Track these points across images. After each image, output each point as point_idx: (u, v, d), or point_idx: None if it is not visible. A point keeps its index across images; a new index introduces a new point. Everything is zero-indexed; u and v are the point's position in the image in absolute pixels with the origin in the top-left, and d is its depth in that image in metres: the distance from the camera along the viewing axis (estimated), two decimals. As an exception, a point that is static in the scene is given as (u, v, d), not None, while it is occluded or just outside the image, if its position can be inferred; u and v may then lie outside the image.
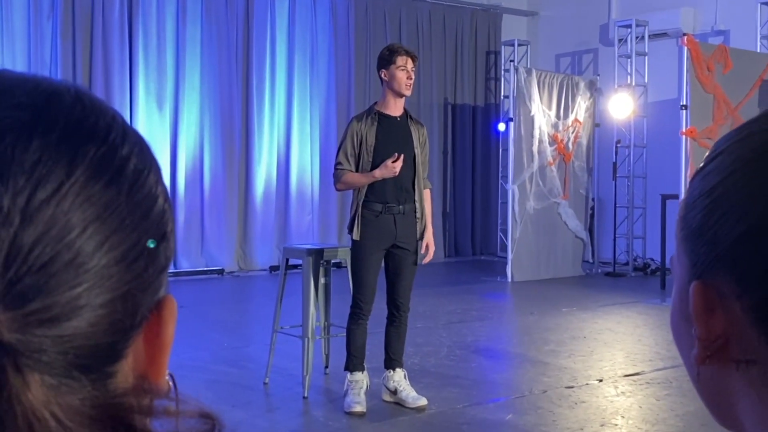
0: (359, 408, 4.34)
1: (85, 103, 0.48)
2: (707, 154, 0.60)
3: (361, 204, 4.40)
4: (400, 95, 4.43)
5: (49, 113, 0.45)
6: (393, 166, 4.29)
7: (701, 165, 0.59)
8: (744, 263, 0.53)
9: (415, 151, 4.48)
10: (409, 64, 4.41)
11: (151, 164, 0.50)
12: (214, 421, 0.44)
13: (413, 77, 4.43)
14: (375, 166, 4.37)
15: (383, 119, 4.44)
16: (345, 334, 4.57)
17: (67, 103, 0.47)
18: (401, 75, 4.38)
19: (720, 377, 0.57)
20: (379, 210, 4.39)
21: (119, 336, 0.45)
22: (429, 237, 4.57)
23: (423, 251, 4.55)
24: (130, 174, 0.47)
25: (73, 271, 0.43)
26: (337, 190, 4.62)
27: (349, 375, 4.47)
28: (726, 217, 0.54)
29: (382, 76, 4.45)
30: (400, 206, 4.42)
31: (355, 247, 4.45)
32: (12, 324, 0.40)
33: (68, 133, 0.45)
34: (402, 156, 4.33)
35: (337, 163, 4.44)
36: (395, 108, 4.48)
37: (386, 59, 4.43)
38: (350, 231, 4.47)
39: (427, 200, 4.62)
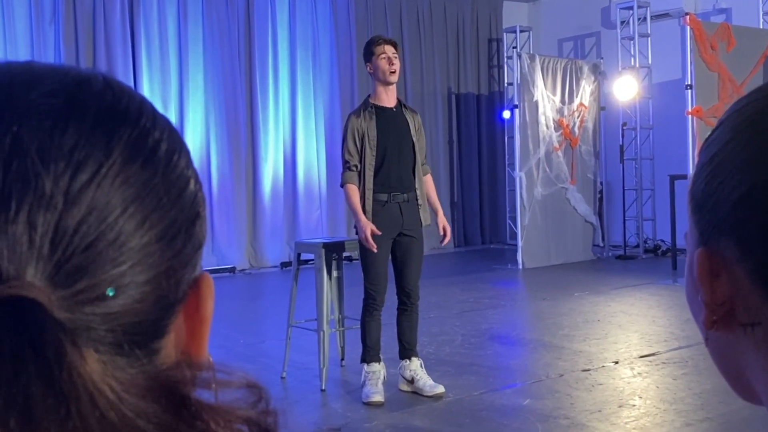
0: (378, 398, 4.36)
1: (114, 89, 0.49)
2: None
3: (367, 196, 4.42)
4: (387, 83, 4.48)
5: (81, 99, 0.46)
6: (371, 245, 4.33)
7: (705, 138, 0.61)
8: (743, 226, 0.55)
9: (413, 139, 4.53)
10: (389, 51, 4.46)
11: (180, 147, 0.51)
12: (261, 391, 0.45)
13: (396, 63, 4.47)
14: (378, 159, 4.42)
15: (380, 111, 4.49)
16: (360, 326, 4.59)
17: (97, 89, 0.48)
18: (383, 63, 4.43)
19: (729, 341, 0.58)
20: (384, 200, 4.42)
21: (163, 312, 0.46)
22: (443, 219, 4.61)
23: (441, 233, 4.57)
24: (163, 155, 0.48)
25: (117, 250, 0.44)
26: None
27: (366, 366, 4.49)
28: (725, 183, 0.56)
29: (369, 70, 4.54)
30: (404, 194, 4.46)
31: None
32: (62, 303, 0.42)
33: (102, 118, 0.46)
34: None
35: (345, 162, 4.46)
36: (388, 99, 4.52)
37: (367, 52, 4.52)
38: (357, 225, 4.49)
39: (430, 184, 4.69)
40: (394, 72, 4.45)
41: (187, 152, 0.51)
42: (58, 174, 0.43)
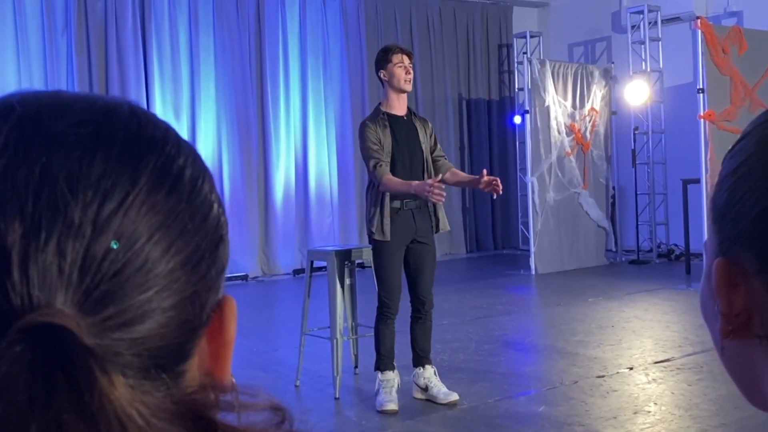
0: (392, 406, 4.36)
1: (140, 117, 0.50)
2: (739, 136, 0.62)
3: (382, 203, 4.42)
4: (401, 91, 4.49)
5: (108, 128, 0.47)
6: (439, 194, 4.16)
7: (731, 147, 0.61)
8: (763, 239, 0.55)
9: (422, 146, 4.55)
10: (406, 60, 4.47)
11: (204, 173, 0.52)
12: (284, 413, 0.46)
13: (411, 72, 4.48)
14: (393, 167, 4.41)
15: (392, 120, 4.50)
16: (373, 334, 4.59)
17: (123, 118, 0.49)
18: (399, 71, 4.44)
19: (744, 352, 0.59)
20: (398, 207, 4.42)
21: (188, 335, 0.47)
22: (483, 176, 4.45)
23: (489, 178, 4.36)
24: (188, 182, 0.49)
25: (143, 276, 0.45)
26: (381, 190, 4.42)
27: (380, 374, 4.49)
28: (747, 196, 0.56)
29: (382, 76, 4.52)
30: (416, 201, 4.45)
31: (378, 247, 4.47)
32: (91, 329, 0.43)
33: (128, 146, 0.47)
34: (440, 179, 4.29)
35: (374, 160, 4.35)
36: (399, 107, 4.53)
37: (382, 59, 4.51)
38: (372, 232, 4.45)
39: (457, 171, 4.68)
40: (409, 81, 4.46)
41: (210, 177, 0.52)
42: (87, 203, 0.44)
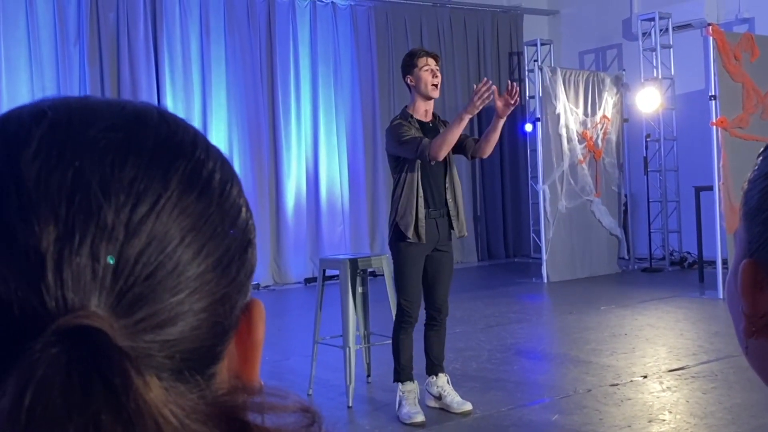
0: (420, 417, 4.29)
1: (169, 122, 0.50)
2: None
3: (417, 206, 4.33)
4: (428, 97, 4.39)
5: (139, 133, 0.48)
6: (486, 93, 4.08)
7: (765, 147, 0.61)
8: None
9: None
10: (432, 63, 4.38)
11: (232, 177, 0.52)
12: (314, 415, 0.46)
13: (439, 76, 4.38)
14: (416, 167, 4.34)
15: (420, 125, 4.42)
16: (390, 343, 4.51)
17: (153, 123, 0.49)
18: (426, 75, 4.35)
19: (767, 352, 0.58)
20: (423, 215, 4.40)
21: (219, 338, 0.48)
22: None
23: (501, 99, 4.26)
24: (217, 186, 0.49)
25: (175, 279, 0.45)
26: (439, 158, 4.25)
27: (400, 386, 4.42)
28: None
29: (408, 82, 4.42)
30: (438, 210, 4.43)
31: (404, 251, 4.37)
32: (124, 331, 0.43)
33: (159, 151, 0.48)
34: (490, 82, 4.17)
35: (416, 140, 4.23)
36: (426, 113, 4.46)
37: (409, 64, 4.41)
38: (407, 237, 4.31)
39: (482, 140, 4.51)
40: (436, 85, 4.37)
41: (239, 181, 0.53)
42: (119, 206, 0.44)
